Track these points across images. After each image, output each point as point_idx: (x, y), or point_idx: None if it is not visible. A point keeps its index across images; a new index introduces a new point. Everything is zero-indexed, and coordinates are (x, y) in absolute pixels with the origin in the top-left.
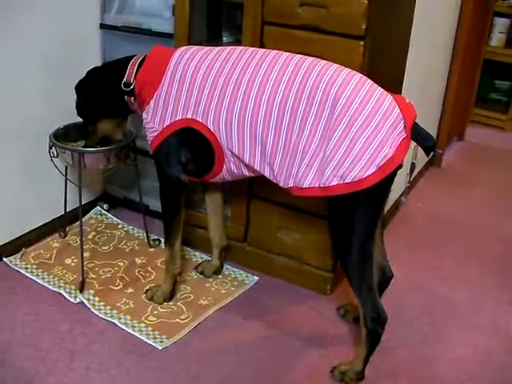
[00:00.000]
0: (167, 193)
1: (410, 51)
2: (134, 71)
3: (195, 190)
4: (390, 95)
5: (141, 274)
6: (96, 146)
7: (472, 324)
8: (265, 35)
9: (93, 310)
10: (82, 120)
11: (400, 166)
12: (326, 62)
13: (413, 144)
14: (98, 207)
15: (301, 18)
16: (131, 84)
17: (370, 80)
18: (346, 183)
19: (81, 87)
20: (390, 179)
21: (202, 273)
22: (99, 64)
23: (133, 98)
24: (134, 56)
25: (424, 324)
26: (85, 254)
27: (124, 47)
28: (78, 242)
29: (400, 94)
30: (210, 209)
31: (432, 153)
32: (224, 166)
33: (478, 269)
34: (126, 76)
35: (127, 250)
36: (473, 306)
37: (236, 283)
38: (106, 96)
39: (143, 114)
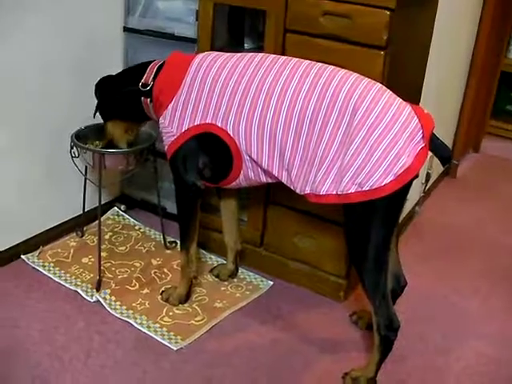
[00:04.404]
0: (183, 198)
1: (429, 62)
2: (153, 74)
3: (212, 194)
4: (408, 105)
5: (157, 276)
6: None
7: (483, 334)
8: (287, 43)
9: (109, 310)
10: (102, 120)
11: (416, 176)
12: (346, 71)
13: (428, 154)
14: (115, 208)
15: (323, 27)
16: (149, 85)
17: (389, 90)
18: (364, 191)
19: (99, 84)
20: (406, 188)
21: (217, 276)
22: (122, 67)
23: (149, 100)
24: (153, 61)
25: (436, 333)
26: (101, 254)
27: (147, 51)
28: (95, 242)
29: (418, 104)
30: (224, 215)
31: (448, 164)
32: (241, 172)
33: (490, 280)
34: (144, 77)
35: (144, 251)
36: (484, 316)
37: (251, 287)
38: (122, 95)
39: (160, 118)
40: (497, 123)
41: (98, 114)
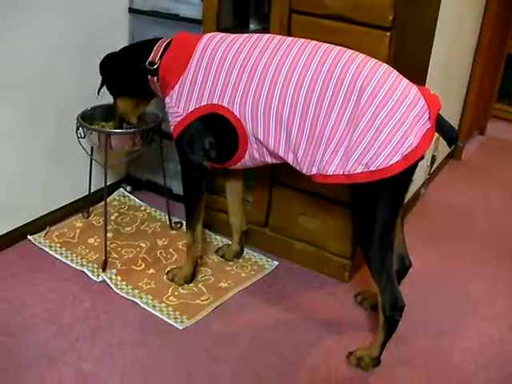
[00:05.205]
0: (189, 178)
1: (435, 44)
2: (160, 52)
3: (217, 175)
4: (415, 86)
5: (162, 256)
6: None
7: (487, 316)
8: (292, 24)
9: (115, 289)
10: (108, 102)
11: (422, 157)
12: (353, 51)
13: (435, 135)
14: (121, 189)
15: (329, 8)
16: (155, 63)
17: (395, 71)
18: (371, 171)
19: (105, 61)
20: (412, 169)
21: (222, 256)
22: None
23: (156, 79)
24: (160, 38)
25: (440, 314)
26: (107, 235)
27: (152, 32)
28: (101, 223)
29: (424, 85)
30: (229, 195)
31: (454, 145)
32: (247, 153)
33: (494, 261)
34: (151, 55)
35: (149, 231)
36: (488, 298)
37: (256, 267)
38: (128, 72)
39: (166, 98)
40: (502, 106)
41: (102, 94)
